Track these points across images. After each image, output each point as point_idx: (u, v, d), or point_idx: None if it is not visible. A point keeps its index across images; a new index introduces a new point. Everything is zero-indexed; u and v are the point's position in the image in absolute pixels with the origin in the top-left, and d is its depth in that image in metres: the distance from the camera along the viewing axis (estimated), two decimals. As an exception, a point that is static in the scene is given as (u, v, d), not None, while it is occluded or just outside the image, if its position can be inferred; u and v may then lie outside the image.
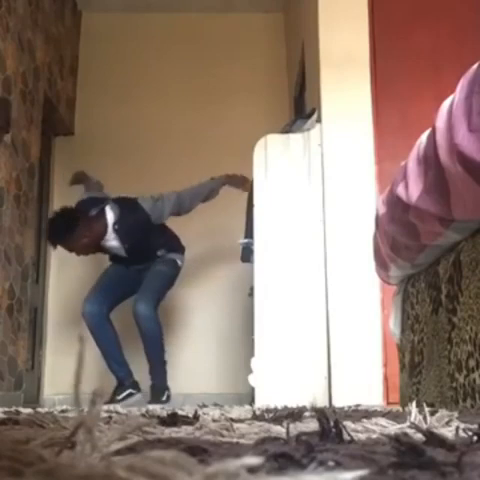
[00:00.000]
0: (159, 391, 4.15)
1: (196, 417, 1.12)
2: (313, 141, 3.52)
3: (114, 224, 4.10)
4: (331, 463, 0.48)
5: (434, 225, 1.61)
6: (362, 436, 0.78)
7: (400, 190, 1.72)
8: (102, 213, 4.11)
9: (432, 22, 3.67)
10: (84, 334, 4.33)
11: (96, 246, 4.15)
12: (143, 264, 4.26)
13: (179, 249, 4.40)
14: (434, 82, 3.47)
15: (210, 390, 4.86)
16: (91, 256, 4.61)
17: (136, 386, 4.22)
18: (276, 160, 3.50)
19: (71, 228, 3.94)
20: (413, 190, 1.63)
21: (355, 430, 0.86)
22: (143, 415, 1.48)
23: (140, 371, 4.33)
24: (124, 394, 4.14)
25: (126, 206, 4.14)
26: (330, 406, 2.86)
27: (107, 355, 4.20)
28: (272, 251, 3.42)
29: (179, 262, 4.37)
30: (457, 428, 0.81)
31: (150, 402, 4.01)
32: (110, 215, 4.12)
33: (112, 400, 3.97)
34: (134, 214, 4.11)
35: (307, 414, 1.27)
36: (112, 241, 4.15)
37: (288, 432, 0.72)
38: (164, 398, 4.13)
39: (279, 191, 3.48)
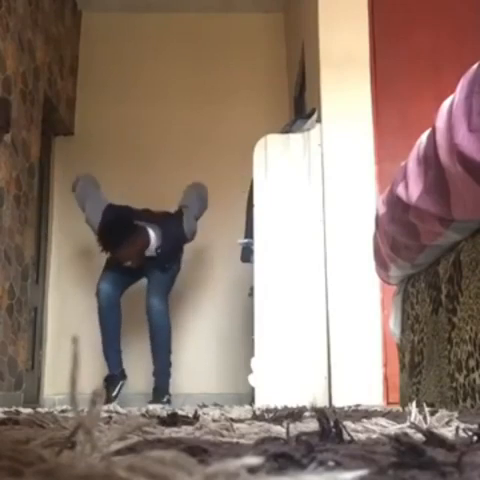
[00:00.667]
0: (160, 394, 4.17)
1: (196, 417, 1.12)
2: (313, 141, 3.52)
3: (157, 248, 4.16)
4: (331, 463, 0.48)
5: (434, 225, 1.61)
6: (362, 436, 0.78)
7: (400, 190, 1.72)
8: (145, 230, 4.12)
9: (432, 22, 3.67)
10: (81, 334, 4.35)
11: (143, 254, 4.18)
12: None
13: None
14: (434, 82, 3.47)
15: (210, 390, 4.86)
16: (89, 256, 4.62)
17: (124, 375, 4.31)
18: (276, 160, 3.50)
19: (126, 235, 3.99)
20: (413, 190, 1.63)
21: (355, 430, 0.86)
22: (143, 415, 1.48)
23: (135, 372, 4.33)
24: (117, 389, 4.21)
25: (169, 229, 4.18)
26: (330, 406, 2.86)
27: (107, 338, 4.25)
28: (272, 251, 3.42)
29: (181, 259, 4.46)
30: (457, 428, 0.81)
31: (151, 402, 4.02)
32: (153, 236, 4.14)
33: (109, 400, 3.98)
34: (176, 237, 4.23)
35: (307, 414, 1.27)
36: (151, 253, 4.20)
37: (288, 432, 0.72)
38: (164, 400, 4.14)
39: (279, 191, 3.48)
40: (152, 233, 4.13)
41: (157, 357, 4.25)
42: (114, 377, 4.23)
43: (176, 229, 4.21)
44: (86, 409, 0.43)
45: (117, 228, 4.02)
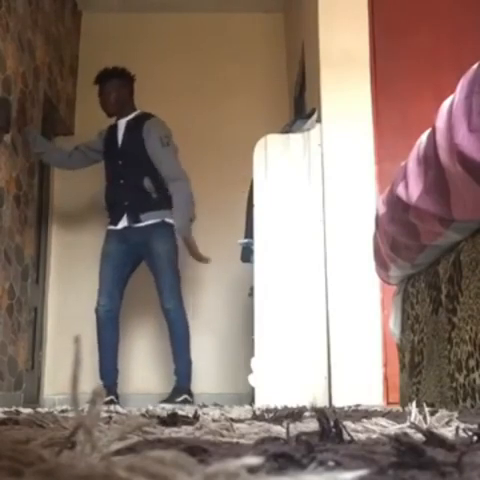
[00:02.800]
0: (177, 392, 4.09)
1: (196, 417, 1.12)
2: (313, 141, 3.52)
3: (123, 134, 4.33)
4: (331, 463, 0.48)
5: (434, 225, 1.61)
6: (362, 436, 0.78)
7: (400, 190, 1.72)
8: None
9: (432, 22, 3.67)
10: (81, 334, 4.31)
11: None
12: (138, 218, 4.19)
13: (166, 203, 4.22)
14: (434, 82, 3.47)
15: (210, 390, 4.86)
16: (91, 255, 4.62)
17: (116, 395, 4.18)
18: (276, 160, 3.50)
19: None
20: (413, 190, 1.63)
21: (355, 430, 0.86)
22: (143, 415, 1.48)
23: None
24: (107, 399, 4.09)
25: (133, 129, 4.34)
26: (330, 406, 2.86)
27: (105, 355, 4.18)
28: (272, 251, 3.42)
29: (169, 220, 4.21)
30: (457, 428, 0.81)
31: (162, 401, 3.96)
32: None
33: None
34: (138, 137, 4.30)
35: (307, 414, 1.27)
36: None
37: (288, 432, 0.72)
38: (179, 400, 4.02)
39: (279, 191, 3.48)
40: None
41: (177, 357, 4.18)
42: (109, 391, 4.08)
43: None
44: (86, 409, 0.43)
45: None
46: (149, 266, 4.25)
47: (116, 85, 4.40)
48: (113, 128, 4.41)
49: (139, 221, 4.16)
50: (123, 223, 4.21)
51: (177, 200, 4.13)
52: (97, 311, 4.21)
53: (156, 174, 4.21)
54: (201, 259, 4.26)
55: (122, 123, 4.38)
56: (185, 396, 4.07)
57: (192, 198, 4.21)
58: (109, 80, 4.39)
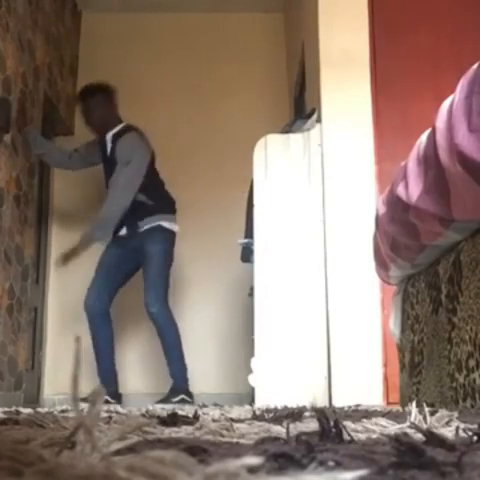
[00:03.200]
0: (174, 392, 4.06)
1: (196, 417, 1.12)
2: (313, 141, 3.52)
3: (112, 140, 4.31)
4: (331, 463, 0.48)
5: (434, 225, 1.61)
6: (362, 436, 0.78)
7: (400, 190, 1.72)
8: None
9: (432, 22, 3.67)
10: (81, 334, 4.30)
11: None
12: (133, 227, 4.18)
13: (165, 209, 4.27)
14: (434, 82, 3.47)
15: (210, 390, 4.86)
16: (91, 255, 4.61)
17: (119, 398, 4.15)
18: (276, 160, 3.50)
19: None
20: (413, 190, 1.63)
21: (355, 430, 0.86)
22: (143, 415, 1.48)
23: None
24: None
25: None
26: (330, 406, 2.86)
27: (100, 354, 4.15)
28: (272, 251, 3.42)
29: (166, 224, 4.23)
30: (457, 428, 0.81)
31: (158, 401, 3.93)
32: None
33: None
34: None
35: (307, 414, 1.27)
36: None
37: (288, 432, 0.72)
38: (175, 400, 3.99)
39: (279, 191, 3.48)
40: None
41: (169, 358, 4.17)
42: (110, 394, 4.05)
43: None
44: (86, 409, 0.43)
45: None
46: (142, 268, 4.26)
47: (96, 102, 4.36)
48: (102, 140, 4.36)
49: (138, 228, 4.18)
50: (122, 232, 4.22)
51: (104, 208, 4.16)
52: (86, 311, 4.21)
53: (146, 185, 4.19)
54: (63, 259, 4.31)
55: (109, 136, 4.33)
56: (182, 396, 4.04)
57: (111, 217, 4.15)
58: (86, 99, 4.38)
